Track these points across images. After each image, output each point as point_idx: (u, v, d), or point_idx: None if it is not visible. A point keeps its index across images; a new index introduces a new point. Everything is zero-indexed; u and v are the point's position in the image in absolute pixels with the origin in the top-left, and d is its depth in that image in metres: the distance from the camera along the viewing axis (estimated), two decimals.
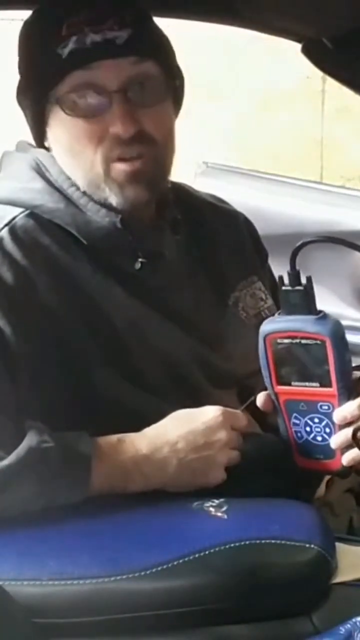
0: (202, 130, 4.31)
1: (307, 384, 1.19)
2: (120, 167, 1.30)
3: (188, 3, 1.50)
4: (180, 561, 1.10)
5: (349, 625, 1.00)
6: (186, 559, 1.10)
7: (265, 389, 1.24)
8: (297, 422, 1.22)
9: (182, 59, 1.37)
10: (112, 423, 1.28)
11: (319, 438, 1.22)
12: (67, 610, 1.10)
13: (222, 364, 1.39)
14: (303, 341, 1.17)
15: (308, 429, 1.22)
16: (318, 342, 1.16)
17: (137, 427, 1.27)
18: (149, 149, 1.30)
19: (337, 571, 1.13)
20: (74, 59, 1.27)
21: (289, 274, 1.17)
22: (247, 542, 1.11)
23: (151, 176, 1.31)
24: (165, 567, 1.10)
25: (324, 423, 1.21)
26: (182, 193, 1.48)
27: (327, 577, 1.12)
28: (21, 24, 1.35)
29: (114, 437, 1.25)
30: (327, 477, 1.42)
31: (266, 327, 1.19)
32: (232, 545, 1.11)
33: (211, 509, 1.18)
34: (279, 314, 1.20)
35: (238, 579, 1.10)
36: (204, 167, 3.16)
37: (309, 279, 1.17)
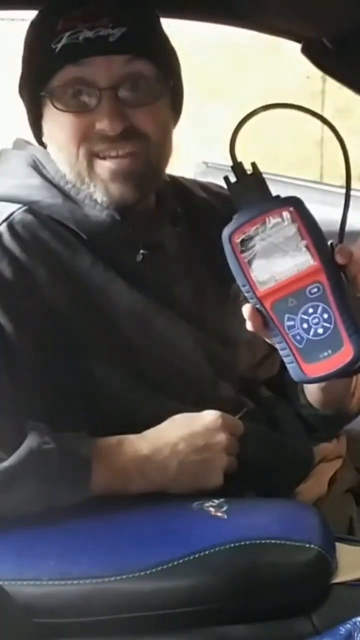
0: (202, 130, 4.31)
1: (287, 272, 1.08)
2: (104, 164, 1.29)
3: (188, 3, 1.50)
4: (180, 561, 1.10)
5: (349, 625, 1.00)
6: (186, 559, 1.10)
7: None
8: (292, 323, 1.10)
9: (182, 59, 1.37)
10: (112, 420, 1.28)
11: (320, 330, 1.09)
12: (67, 610, 1.10)
13: (226, 354, 1.38)
14: (268, 224, 1.08)
15: (305, 325, 1.09)
16: (284, 215, 1.08)
17: (138, 424, 1.27)
18: (141, 146, 1.29)
19: (337, 571, 1.13)
20: (65, 54, 1.28)
21: (232, 168, 1.11)
22: (247, 542, 1.11)
23: (140, 175, 1.30)
24: (165, 567, 1.10)
25: (319, 309, 1.09)
26: (180, 186, 1.48)
27: (327, 577, 1.12)
28: (21, 23, 1.35)
29: (114, 439, 1.25)
30: (328, 476, 1.42)
31: (226, 230, 1.09)
32: (232, 545, 1.11)
33: (211, 509, 1.18)
34: (235, 215, 1.11)
35: (238, 579, 1.10)
36: (204, 167, 3.16)
37: (254, 165, 1.11)
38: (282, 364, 1.43)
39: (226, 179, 1.11)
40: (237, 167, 1.11)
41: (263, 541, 1.12)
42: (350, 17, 1.42)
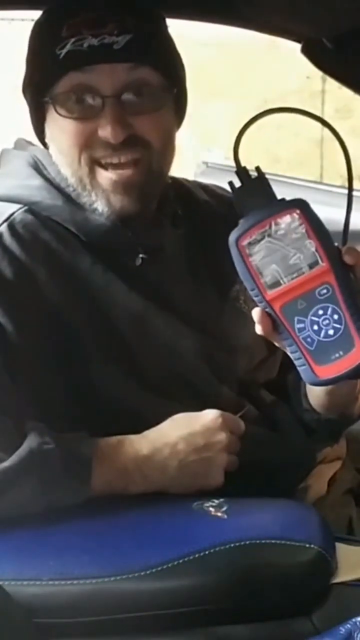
0: (202, 131, 4.31)
1: (296, 274, 1.08)
2: (106, 175, 1.29)
3: (188, 3, 1.49)
4: (180, 561, 1.10)
5: (349, 625, 1.00)
6: (186, 559, 1.10)
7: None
8: (302, 325, 1.09)
9: (182, 59, 1.37)
10: (112, 421, 1.28)
11: (331, 331, 1.09)
12: (67, 610, 1.10)
13: (225, 357, 1.38)
14: (275, 227, 1.08)
15: (315, 327, 1.09)
16: (290, 218, 1.08)
17: (138, 425, 1.27)
18: (144, 153, 1.29)
19: (337, 571, 1.13)
20: (70, 60, 1.27)
21: (236, 173, 1.11)
22: (247, 542, 1.11)
23: (142, 186, 1.30)
24: (165, 567, 1.10)
25: (329, 311, 1.09)
26: (182, 188, 1.48)
27: (327, 577, 1.12)
28: (21, 24, 1.35)
29: (114, 439, 1.25)
30: (327, 477, 1.42)
31: (233, 235, 1.09)
32: (232, 545, 1.11)
33: (211, 509, 1.18)
34: (241, 220, 1.10)
35: (238, 579, 1.10)
36: (204, 167, 3.17)
37: (258, 169, 1.11)
38: (283, 367, 1.44)
39: (231, 184, 1.11)
40: (241, 171, 1.11)
41: (263, 541, 1.12)
42: (350, 17, 1.42)
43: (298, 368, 1.11)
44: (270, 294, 1.09)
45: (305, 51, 1.58)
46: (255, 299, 1.11)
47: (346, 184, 1.17)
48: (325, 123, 1.14)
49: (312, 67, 1.61)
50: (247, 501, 1.22)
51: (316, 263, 1.08)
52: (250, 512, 1.20)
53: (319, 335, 1.09)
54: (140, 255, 1.34)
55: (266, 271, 1.09)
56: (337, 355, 1.09)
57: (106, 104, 1.27)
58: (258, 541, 1.12)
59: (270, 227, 1.08)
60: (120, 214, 1.31)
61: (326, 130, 1.13)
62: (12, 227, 1.30)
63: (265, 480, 1.30)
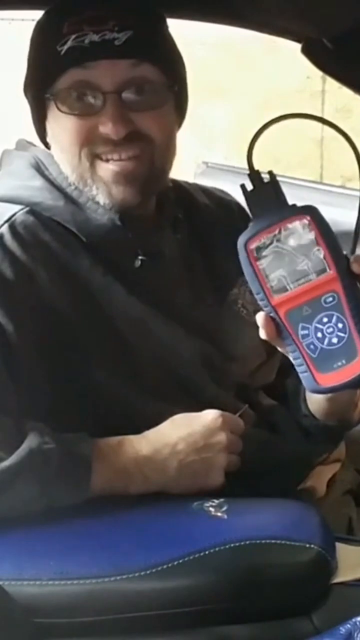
0: (202, 130, 4.31)
1: (303, 280, 1.08)
2: (107, 167, 1.29)
3: (188, 3, 1.49)
4: (180, 561, 1.10)
5: (349, 625, 1.00)
6: (186, 559, 1.10)
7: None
8: (306, 332, 1.10)
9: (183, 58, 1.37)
10: (112, 422, 1.28)
11: (335, 340, 1.09)
12: (67, 610, 1.11)
13: (223, 361, 1.38)
14: (284, 232, 1.08)
15: (319, 334, 1.09)
16: (300, 224, 1.08)
17: (137, 427, 1.27)
18: (145, 149, 1.29)
19: (337, 571, 1.13)
20: (71, 56, 1.28)
21: (249, 176, 1.12)
22: (247, 542, 1.11)
23: (143, 178, 1.30)
24: (165, 567, 1.10)
25: (334, 319, 1.08)
26: (182, 191, 1.48)
27: (327, 577, 1.12)
28: (21, 24, 1.35)
29: (114, 439, 1.26)
30: (326, 478, 1.42)
31: (242, 238, 1.09)
32: (232, 545, 1.11)
33: (211, 509, 1.18)
34: (251, 222, 1.11)
35: (238, 579, 1.10)
36: (204, 167, 3.16)
37: (270, 172, 1.12)
38: (281, 370, 1.44)
39: (242, 186, 1.11)
40: (254, 175, 1.11)
41: (263, 541, 1.12)
42: (350, 17, 1.42)
43: (300, 374, 1.11)
44: (276, 299, 1.09)
45: (305, 51, 1.58)
46: (260, 303, 1.10)
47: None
48: (339, 130, 1.14)
49: (312, 67, 1.61)
50: (247, 501, 1.22)
51: (323, 270, 1.08)
52: (250, 512, 1.20)
53: (323, 343, 1.09)
54: (140, 257, 1.34)
55: (273, 276, 1.09)
56: (339, 363, 1.09)
57: (107, 100, 1.27)
58: (258, 541, 1.12)
59: (279, 232, 1.08)
60: (121, 206, 1.31)
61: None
62: (13, 228, 1.30)
63: (264, 481, 1.30)
